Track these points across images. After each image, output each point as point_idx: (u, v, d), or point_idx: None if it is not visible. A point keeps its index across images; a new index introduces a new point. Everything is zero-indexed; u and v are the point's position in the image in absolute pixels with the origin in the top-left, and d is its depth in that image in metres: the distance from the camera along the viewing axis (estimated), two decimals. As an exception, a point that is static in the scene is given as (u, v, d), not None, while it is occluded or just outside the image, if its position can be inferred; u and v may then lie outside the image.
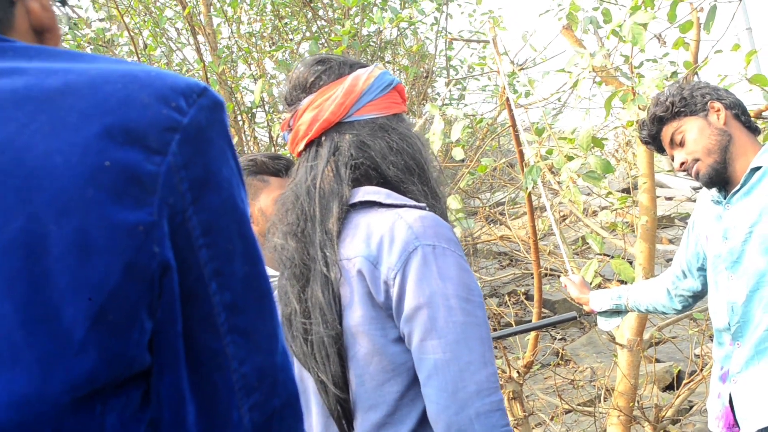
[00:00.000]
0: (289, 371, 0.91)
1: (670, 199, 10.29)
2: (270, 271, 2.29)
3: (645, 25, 3.16)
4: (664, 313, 2.91)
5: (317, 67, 1.64)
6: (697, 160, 2.47)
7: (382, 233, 1.47)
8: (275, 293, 1.68)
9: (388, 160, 1.59)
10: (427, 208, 1.56)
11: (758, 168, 2.41)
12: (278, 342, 0.90)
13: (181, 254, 0.81)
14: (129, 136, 0.78)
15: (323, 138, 1.62)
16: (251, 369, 0.86)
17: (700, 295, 2.76)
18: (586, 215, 6.59)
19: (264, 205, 2.28)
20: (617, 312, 2.99)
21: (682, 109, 2.50)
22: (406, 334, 1.44)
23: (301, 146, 1.65)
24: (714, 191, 2.54)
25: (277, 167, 2.30)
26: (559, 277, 3.16)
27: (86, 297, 0.74)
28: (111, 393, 0.78)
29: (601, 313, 3.01)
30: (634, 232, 4.53)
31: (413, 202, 1.56)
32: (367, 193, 1.56)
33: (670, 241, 8.75)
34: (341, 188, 1.55)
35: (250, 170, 2.31)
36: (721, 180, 2.47)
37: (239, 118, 6.71)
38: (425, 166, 1.64)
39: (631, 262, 4.37)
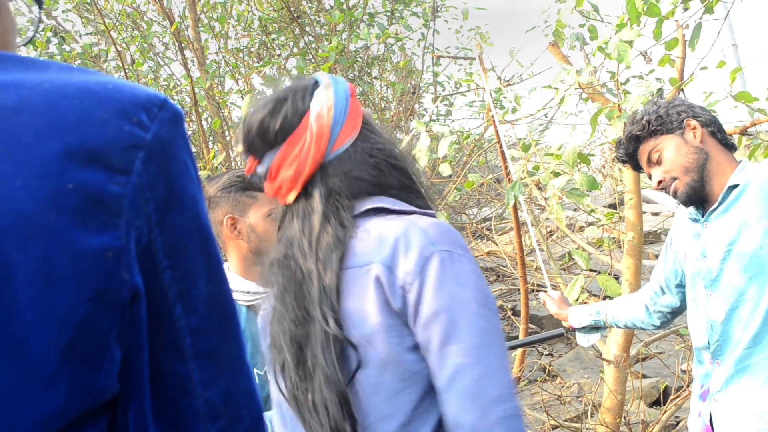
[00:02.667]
0: (254, 395, 0.88)
1: (656, 214, 10.31)
2: (258, 288, 2.28)
3: (631, 43, 3.17)
4: (642, 328, 2.90)
5: (274, 118, 1.55)
6: (674, 178, 2.47)
7: (396, 238, 1.44)
8: (264, 330, 1.64)
9: (389, 176, 1.57)
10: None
11: (735, 186, 2.41)
12: (243, 365, 0.87)
13: (146, 278, 0.78)
14: (90, 155, 0.73)
15: (309, 187, 1.56)
16: (217, 393, 0.83)
17: (678, 311, 2.75)
18: (573, 231, 6.60)
19: (254, 221, 2.27)
20: (596, 328, 2.98)
21: (659, 128, 2.50)
22: (423, 340, 1.42)
23: (291, 197, 1.58)
24: (691, 208, 2.54)
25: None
26: (546, 292, 3.15)
27: (55, 328, 0.70)
28: (80, 425, 0.75)
29: (580, 329, 3.00)
30: (620, 247, 4.54)
31: (422, 210, 1.55)
32: (374, 201, 1.54)
33: (657, 257, 8.75)
34: (345, 237, 1.50)
35: (238, 186, 2.30)
36: (699, 198, 2.47)
37: (227, 133, 6.70)
38: (409, 165, 1.63)
39: (617, 278, 4.37)
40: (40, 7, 1.03)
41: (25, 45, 1.05)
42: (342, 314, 1.46)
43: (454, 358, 1.37)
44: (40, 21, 1.14)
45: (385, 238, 1.45)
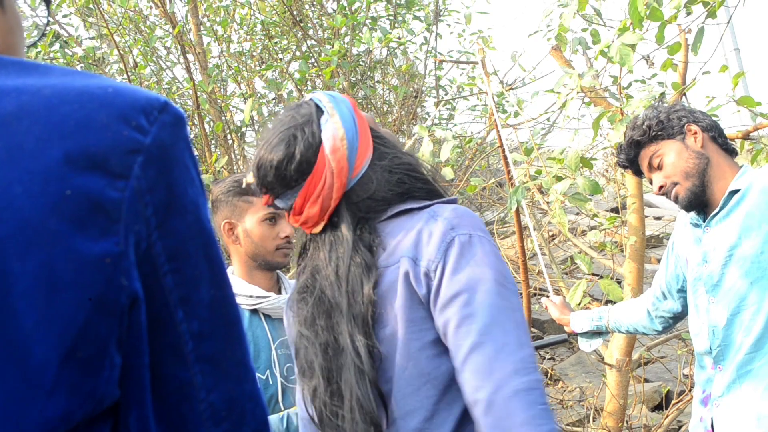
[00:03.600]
0: (258, 400, 0.88)
1: (658, 218, 10.30)
2: (260, 292, 2.28)
3: (633, 46, 3.17)
4: (644, 333, 2.90)
5: (290, 161, 1.54)
6: (675, 183, 2.46)
7: (419, 230, 1.49)
8: (294, 349, 1.66)
9: (414, 188, 1.59)
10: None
11: (737, 191, 2.40)
12: (247, 370, 0.87)
13: (146, 282, 0.77)
14: (89, 160, 0.73)
15: (335, 217, 1.57)
16: (220, 398, 0.83)
17: (680, 316, 2.75)
18: (575, 235, 6.59)
19: (249, 226, 2.28)
20: (598, 333, 2.98)
21: (659, 133, 2.50)
22: (442, 323, 1.44)
23: (318, 229, 1.59)
24: (693, 213, 2.53)
25: None
26: (548, 296, 3.15)
27: (56, 335, 0.70)
28: (82, 431, 0.75)
29: (582, 334, 3.00)
30: (622, 252, 4.53)
31: (444, 198, 1.58)
32: (400, 206, 1.56)
33: (659, 261, 8.74)
34: (373, 263, 1.51)
35: (234, 191, 2.31)
36: (700, 203, 2.47)
37: (229, 137, 6.70)
38: (427, 172, 1.66)
39: (619, 282, 4.37)
40: (48, 7, 1.02)
41: (31, 47, 1.04)
42: (376, 324, 1.50)
43: (469, 337, 1.40)
44: (48, 23, 1.13)
45: (409, 234, 1.49)
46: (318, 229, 1.59)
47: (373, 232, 1.54)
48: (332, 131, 1.54)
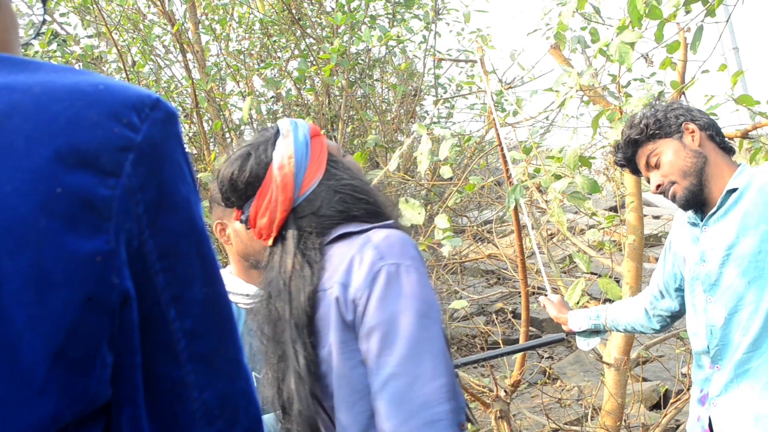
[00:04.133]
0: (251, 397, 0.87)
1: (657, 217, 10.30)
2: (257, 290, 2.28)
3: (632, 44, 3.16)
4: (642, 332, 2.90)
5: (242, 174, 1.68)
6: (673, 182, 2.46)
7: (352, 256, 1.56)
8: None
9: (355, 207, 1.67)
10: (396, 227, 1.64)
11: (734, 189, 2.40)
12: (240, 367, 0.87)
13: (138, 280, 0.77)
14: (80, 158, 0.72)
15: (284, 229, 1.69)
16: (213, 396, 0.83)
17: (678, 315, 2.75)
18: (574, 234, 6.59)
19: (238, 227, 2.29)
20: (596, 332, 2.98)
21: (657, 132, 2.49)
22: (364, 351, 1.51)
23: (270, 241, 1.72)
24: (690, 212, 2.53)
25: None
26: (546, 295, 3.15)
27: (45, 334, 0.70)
28: (73, 430, 0.74)
29: (579, 333, 3.00)
30: (621, 251, 4.53)
31: (382, 222, 1.65)
32: (342, 228, 1.65)
33: (658, 260, 8.76)
34: (312, 276, 1.60)
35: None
36: (697, 202, 2.46)
37: (227, 135, 6.70)
38: (373, 194, 1.73)
39: (618, 281, 4.37)
40: (44, 5, 1.02)
41: (27, 44, 1.04)
42: (314, 339, 1.60)
43: (385, 368, 1.47)
44: (44, 21, 1.12)
45: (344, 259, 1.57)
46: (270, 241, 1.71)
47: (317, 250, 1.63)
48: (282, 150, 1.67)
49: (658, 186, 2.49)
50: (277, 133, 1.71)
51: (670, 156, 2.46)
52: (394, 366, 1.45)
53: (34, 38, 1.19)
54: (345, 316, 1.54)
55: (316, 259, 1.61)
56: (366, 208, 1.69)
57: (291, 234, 1.66)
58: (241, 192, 1.69)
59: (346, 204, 1.67)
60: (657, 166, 2.50)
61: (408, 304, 1.49)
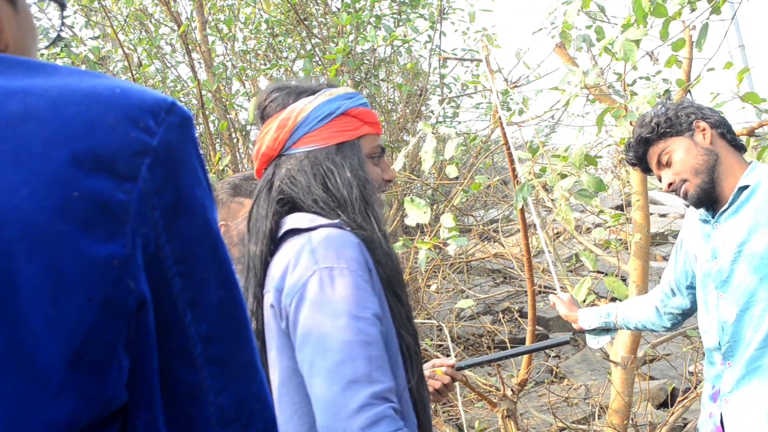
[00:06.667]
0: (266, 400, 0.87)
1: (663, 216, 10.29)
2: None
3: (637, 42, 3.16)
4: (653, 330, 2.90)
5: (270, 95, 1.73)
6: (684, 180, 2.46)
7: (288, 260, 1.54)
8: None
9: (313, 194, 1.63)
10: (348, 227, 1.59)
11: (746, 187, 2.40)
12: (255, 370, 0.86)
13: (154, 285, 0.77)
14: (96, 162, 0.72)
15: (266, 169, 1.71)
16: (228, 400, 0.83)
17: (689, 313, 2.75)
18: (580, 232, 6.59)
19: (243, 227, 2.28)
20: (606, 330, 2.98)
21: (668, 130, 2.49)
22: (300, 360, 1.49)
23: (256, 173, 1.75)
24: (702, 210, 2.53)
25: (250, 188, 2.30)
26: (555, 293, 3.15)
27: (62, 337, 0.70)
28: None
29: (590, 331, 3.00)
30: (627, 249, 4.52)
31: (328, 221, 1.59)
32: (293, 221, 1.62)
33: (664, 258, 8.74)
34: (265, 226, 1.63)
35: (228, 194, 2.31)
36: (709, 199, 2.46)
37: (233, 135, 6.71)
38: (359, 195, 1.66)
39: (624, 280, 4.36)
40: (63, 9, 1.01)
41: (46, 48, 1.04)
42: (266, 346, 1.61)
43: (318, 376, 1.44)
44: (63, 25, 1.12)
45: (281, 262, 1.56)
46: (256, 172, 1.75)
47: (275, 203, 1.65)
48: (303, 103, 1.68)
49: (670, 184, 2.49)
50: (323, 90, 1.72)
51: (682, 154, 2.47)
52: (328, 372, 1.42)
53: (51, 44, 1.19)
54: (280, 323, 1.53)
55: (271, 214, 1.64)
56: (326, 198, 1.63)
57: (265, 178, 1.69)
58: (261, 115, 1.74)
59: (312, 182, 1.64)
60: (668, 165, 2.50)
61: (341, 308, 1.45)
